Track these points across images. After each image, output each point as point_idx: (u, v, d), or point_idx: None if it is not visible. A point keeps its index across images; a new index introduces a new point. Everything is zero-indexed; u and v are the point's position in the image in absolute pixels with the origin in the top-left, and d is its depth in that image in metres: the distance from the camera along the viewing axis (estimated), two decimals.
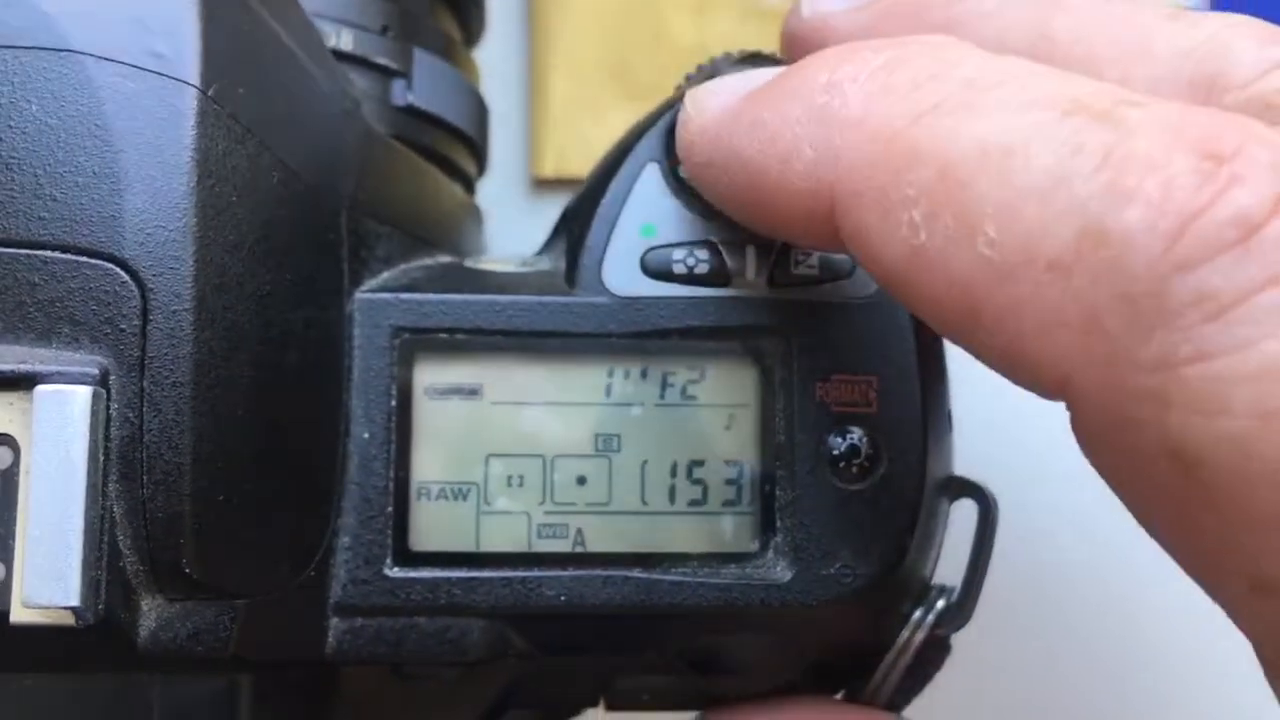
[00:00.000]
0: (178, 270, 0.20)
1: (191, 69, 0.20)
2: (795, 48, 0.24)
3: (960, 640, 0.25)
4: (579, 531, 0.23)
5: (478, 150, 0.30)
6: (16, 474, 0.19)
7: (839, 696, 0.26)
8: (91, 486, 0.19)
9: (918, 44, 0.19)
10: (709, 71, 0.25)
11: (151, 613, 0.20)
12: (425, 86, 0.27)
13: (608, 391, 0.24)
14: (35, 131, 0.19)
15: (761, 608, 0.23)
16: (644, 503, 0.24)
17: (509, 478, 0.23)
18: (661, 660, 0.24)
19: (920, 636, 0.24)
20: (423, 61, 0.27)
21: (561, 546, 0.23)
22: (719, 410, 0.24)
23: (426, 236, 0.25)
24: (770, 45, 0.25)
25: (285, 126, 0.22)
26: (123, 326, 0.19)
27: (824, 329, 0.24)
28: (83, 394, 0.19)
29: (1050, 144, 0.17)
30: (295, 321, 0.22)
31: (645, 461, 0.24)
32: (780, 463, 0.23)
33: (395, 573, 0.23)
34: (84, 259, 0.19)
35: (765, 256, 0.24)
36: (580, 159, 0.38)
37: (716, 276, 0.24)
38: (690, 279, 0.24)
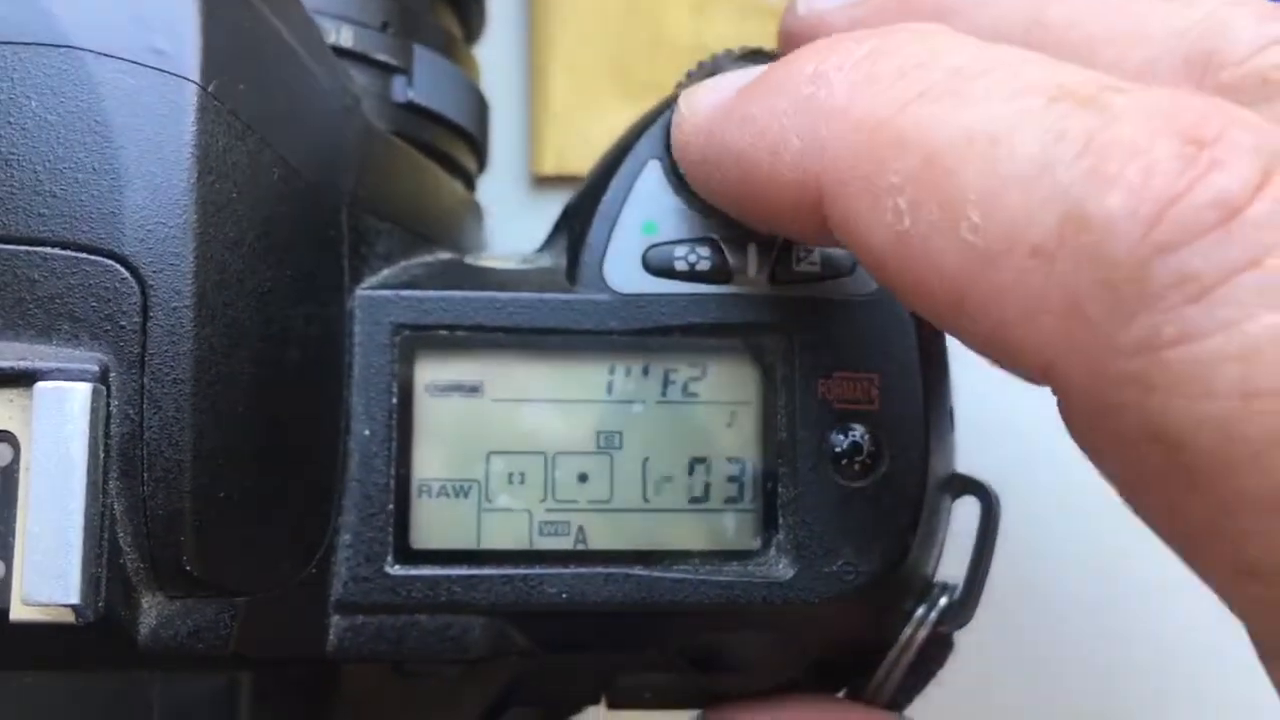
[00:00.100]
0: (178, 267, 0.19)
1: (192, 65, 0.20)
2: (792, 45, 0.24)
3: (962, 638, 0.25)
4: (580, 529, 0.23)
5: (478, 147, 0.30)
6: (16, 471, 0.19)
7: (841, 694, 0.26)
8: (92, 484, 0.19)
9: (904, 32, 0.20)
10: (710, 69, 0.25)
11: (152, 610, 0.20)
12: (426, 83, 0.27)
13: (609, 389, 0.24)
14: (35, 128, 0.19)
15: (763, 605, 0.23)
16: (645, 500, 0.23)
17: (510, 475, 0.23)
18: (663, 658, 0.24)
19: (923, 634, 0.24)
20: (423, 58, 0.27)
21: (563, 544, 0.23)
22: (721, 407, 0.24)
23: (427, 233, 0.25)
24: (770, 43, 0.25)
25: (286, 123, 0.22)
26: (123, 323, 0.19)
27: (826, 326, 0.24)
28: (83, 391, 0.19)
29: (1034, 131, 0.17)
30: (296, 318, 0.22)
31: (647, 459, 0.24)
32: (782, 460, 0.23)
33: (396, 570, 0.23)
34: (84, 255, 0.19)
35: (767, 253, 0.24)
36: (580, 156, 0.38)
37: (718, 274, 0.24)
38: (692, 276, 0.24)
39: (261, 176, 0.21)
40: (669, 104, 0.25)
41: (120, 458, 0.19)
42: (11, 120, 0.19)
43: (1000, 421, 0.34)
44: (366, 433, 0.23)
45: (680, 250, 0.24)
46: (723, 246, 0.24)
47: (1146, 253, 0.16)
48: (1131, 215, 0.16)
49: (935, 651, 0.24)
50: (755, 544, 0.24)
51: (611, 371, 0.24)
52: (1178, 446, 0.16)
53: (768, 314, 0.24)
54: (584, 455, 0.24)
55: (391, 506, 0.23)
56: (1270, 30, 0.19)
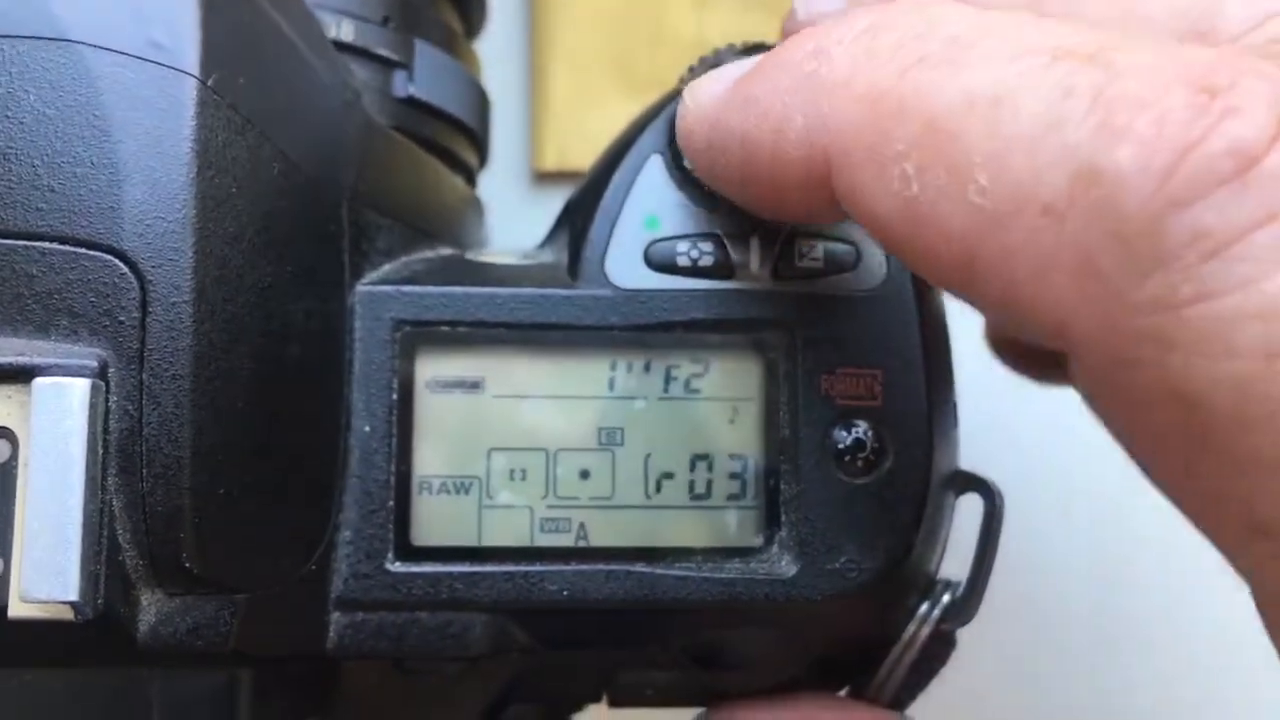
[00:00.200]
0: (177, 262, 0.19)
1: (191, 59, 0.20)
2: None
3: (963, 637, 0.25)
4: (582, 526, 0.23)
5: (479, 142, 0.30)
6: (15, 467, 0.19)
7: (844, 692, 0.25)
8: (90, 480, 0.19)
9: (903, 5, 0.20)
10: (712, 63, 0.25)
11: (151, 607, 0.20)
12: (426, 78, 0.27)
13: (611, 385, 0.24)
14: (33, 122, 0.19)
15: (766, 603, 0.23)
16: (647, 497, 0.23)
17: (511, 472, 0.23)
18: (665, 655, 0.24)
19: (926, 631, 0.24)
20: (424, 53, 0.27)
21: (564, 541, 0.23)
22: (723, 404, 0.24)
23: (428, 229, 0.25)
24: (771, 37, 0.25)
25: (286, 117, 0.22)
26: (122, 319, 0.19)
27: (829, 322, 0.23)
28: (81, 386, 0.18)
29: (1039, 90, 0.17)
30: (296, 314, 0.22)
31: (649, 455, 0.23)
32: (785, 457, 0.23)
33: (397, 567, 0.23)
34: (83, 250, 0.19)
35: (769, 249, 0.24)
36: (582, 152, 0.38)
37: (720, 269, 0.24)
38: (694, 272, 0.24)
39: (261, 171, 0.21)
40: (671, 99, 0.25)
41: (119, 454, 0.19)
42: (10, 115, 0.19)
43: (1003, 419, 0.34)
44: (367, 429, 0.23)
45: (683, 245, 0.24)
46: (725, 242, 0.24)
47: (1160, 207, 0.15)
48: (1144, 169, 0.15)
49: (938, 649, 0.24)
50: (757, 541, 0.23)
51: (613, 367, 0.24)
52: (1194, 405, 0.15)
53: (770, 310, 0.24)
54: (585, 452, 0.23)
55: (392, 503, 0.23)
56: (1264, 6, 0.19)
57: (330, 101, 0.23)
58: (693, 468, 0.23)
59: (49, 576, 0.18)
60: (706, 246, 0.24)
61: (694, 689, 0.25)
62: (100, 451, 0.19)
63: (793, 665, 0.25)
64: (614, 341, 0.24)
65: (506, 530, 0.23)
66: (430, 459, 0.23)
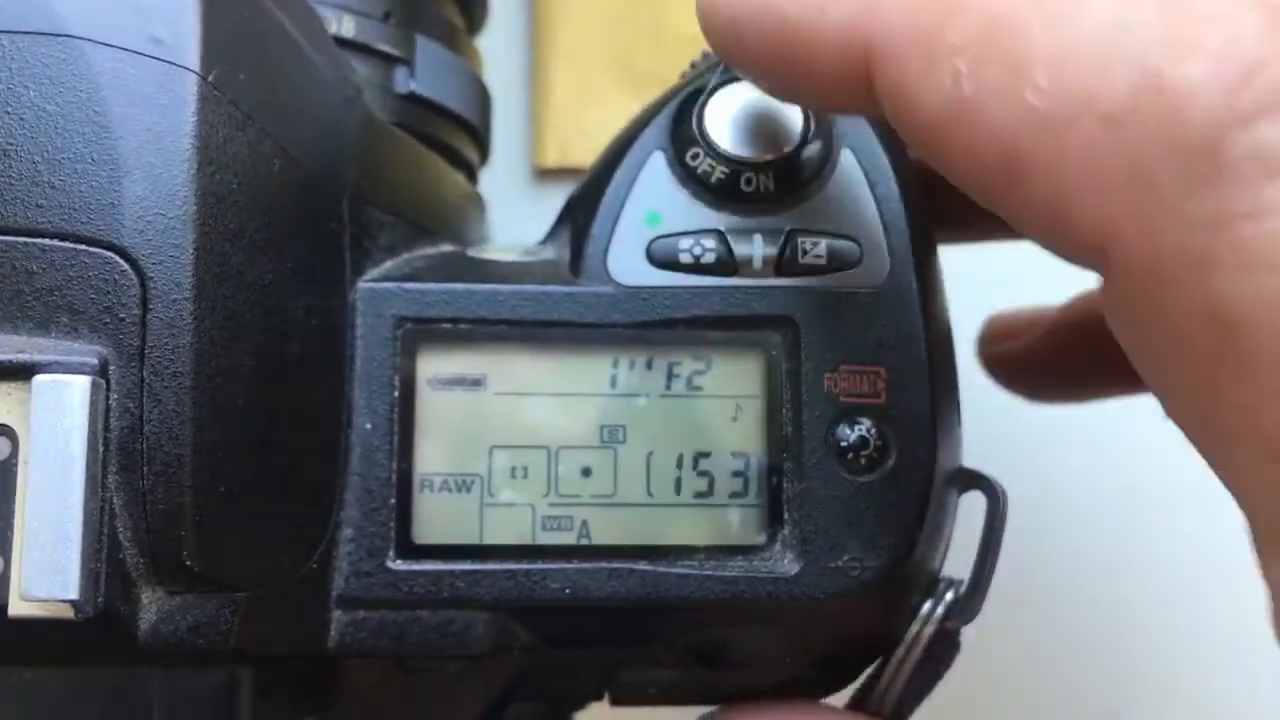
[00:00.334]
0: (178, 259, 0.19)
1: (192, 55, 0.20)
2: None
3: (964, 636, 0.24)
4: (584, 524, 0.23)
5: (480, 138, 0.30)
6: (15, 465, 0.18)
7: (848, 694, 0.25)
8: (91, 478, 0.18)
9: None
10: (714, 59, 0.24)
11: (151, 606, 0.20)
12: (428, 74, 0.27)
13: (613, 382, 0.23)
14: (33, 118, 0.19)
15: (769, 601, 0.23)
16: (649, 495, 0.23)
17: (513, 469, 0.23)
18: (667, 654, 0.24)
19: (929, 630, 0.24)
20: (425, 49, 0.27)
21: (566, 539, 0.23)
22: (725, 401, 0.24)
23: (429, 225, 0.25)
24: None
25: (286, 113, 0.22)
26: (122, 316, 0.19)
27: (832, 319, 0.23)
28: (81, 384, 0.18)
29: None
30: (296, 311, 0.21)
31: (651, 453, 0.23)
32: (787, 454, 0.23)
33: (398, 565, 0.23)
34: (83, 247, 0.19)
35: (772, 245, 0.24)
36: (583, 148, 0.38)
37: (723, 266, 0.24)
38: (696, 268, 0.24)
39: (262, 167, 0.21)
40: (673, 95, 0.24)
41: (119, 451, 0.19)
42: (10, 110, 0.19)
43: (1005, 416, 0.33)
44: (368, 426, 0.23)
45: (685, 242, 0.24)
46: (728, 238, 0.24)
47: (1225, 121, 0.15)
48: (1211, 81, 0.15)
49: (942, 650, 0.24)
50: (760, 539, 0.23)
51: (615, 365, 0.23)
52: (1233, 326, 0.15)
53: (773, 307, 0.23)
54: (587, 449, 0.23)
55: (393, 501, 0.23)
56: None
57: (331, 97, 0.23)
58: (695, 465, 0.23)
59: (49, 575, 0.18)
60: (709, 243, 0.24)
61: (696, 687, 0.25)
62: (100, 449, 0.19)
63: (795, 663, 0.24)
64: (616, 339, 0.23)
65: (508, 528, 0.23)
66: (432, 456, 0.23)
